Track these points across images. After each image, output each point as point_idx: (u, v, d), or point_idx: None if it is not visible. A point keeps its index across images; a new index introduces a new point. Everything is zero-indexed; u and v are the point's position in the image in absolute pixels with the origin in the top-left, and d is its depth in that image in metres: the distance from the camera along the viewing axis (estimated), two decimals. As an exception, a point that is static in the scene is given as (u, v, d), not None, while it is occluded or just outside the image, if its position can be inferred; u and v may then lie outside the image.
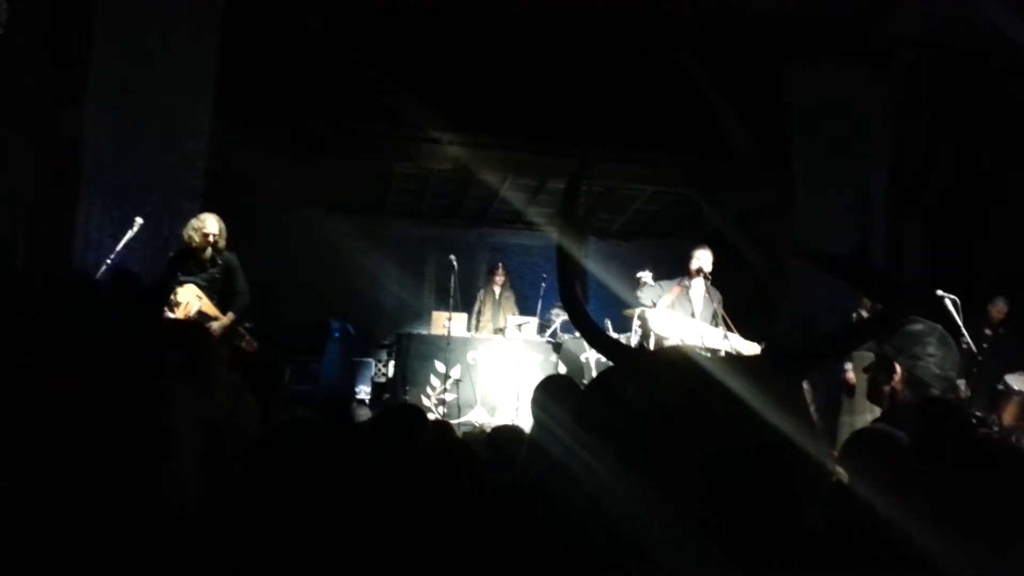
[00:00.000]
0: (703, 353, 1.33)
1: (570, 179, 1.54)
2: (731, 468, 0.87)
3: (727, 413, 0.91)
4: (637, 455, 0.90)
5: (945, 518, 1.23)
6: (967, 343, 5.77)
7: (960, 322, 5.66)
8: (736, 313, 6.06)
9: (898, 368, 2.09)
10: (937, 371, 2.06)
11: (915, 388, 2.07)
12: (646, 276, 6.11)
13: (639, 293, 6.10)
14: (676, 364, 1.02)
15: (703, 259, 6.11)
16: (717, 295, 6.08)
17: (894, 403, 2.10)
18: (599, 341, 1.35)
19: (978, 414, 5.17)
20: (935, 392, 2.04)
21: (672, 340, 5.62)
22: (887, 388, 2.10)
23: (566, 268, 1.35)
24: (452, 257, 7.55)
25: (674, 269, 6.33)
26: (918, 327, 2.14)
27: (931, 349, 2.07)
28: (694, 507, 0.85)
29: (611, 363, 1.24)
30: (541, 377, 2.76)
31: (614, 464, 0.91)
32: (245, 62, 6.89)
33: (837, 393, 6.12)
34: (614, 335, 6.89)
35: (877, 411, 2.28)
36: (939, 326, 2.15)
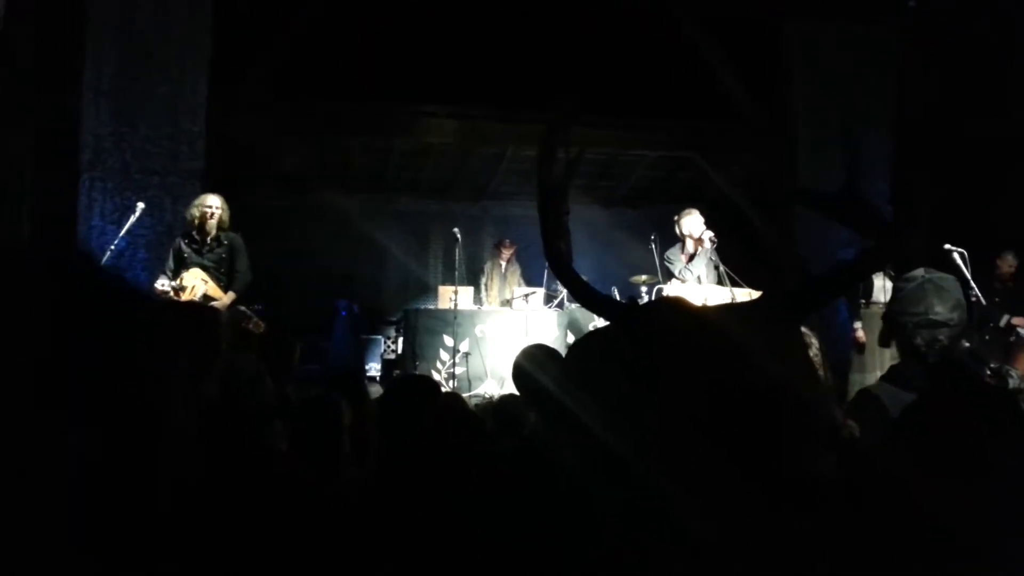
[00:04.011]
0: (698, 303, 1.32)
1: (543, 136, 1.50)
2: (729, 414, 0.86)
3: (724, 360, 0.90)
4: (634, 407, 0.89)
5: (945, 471, 1.22)
6: (976, 296, 5.76)
7: (968, 275, 5.66)
8: (741, 273, 6.05)
9: (889, 320, 2.09)
10: (929, 318, 2.03)
11: (908, 337, 2.05)
12: (676, 255, 6.13)
13: (677, 271, 6.10)
14: (671, 314, 1.01)
15: (694, 224, 6.08)
16: (714, 254, 6.05)
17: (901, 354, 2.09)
18: (588, 297, 1.32)
19: (993, 365, 5.16)
20: (919, 340, 2.02)
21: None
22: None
23: (549, 226, 1.33)
24: (456, 230, 7.53)
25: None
26: (911, 275, 2.11)
27: (916, 296, 2.05)
28: (692, 455, 0.85)
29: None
30: (550, 348, 2.77)
31: (610, 418, 0.90)
32: (242, 42, 6.83)
33: (848, 351, 6.14)
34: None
35: (888, 368, 2.27)
36: (935, 275, 2.11)
